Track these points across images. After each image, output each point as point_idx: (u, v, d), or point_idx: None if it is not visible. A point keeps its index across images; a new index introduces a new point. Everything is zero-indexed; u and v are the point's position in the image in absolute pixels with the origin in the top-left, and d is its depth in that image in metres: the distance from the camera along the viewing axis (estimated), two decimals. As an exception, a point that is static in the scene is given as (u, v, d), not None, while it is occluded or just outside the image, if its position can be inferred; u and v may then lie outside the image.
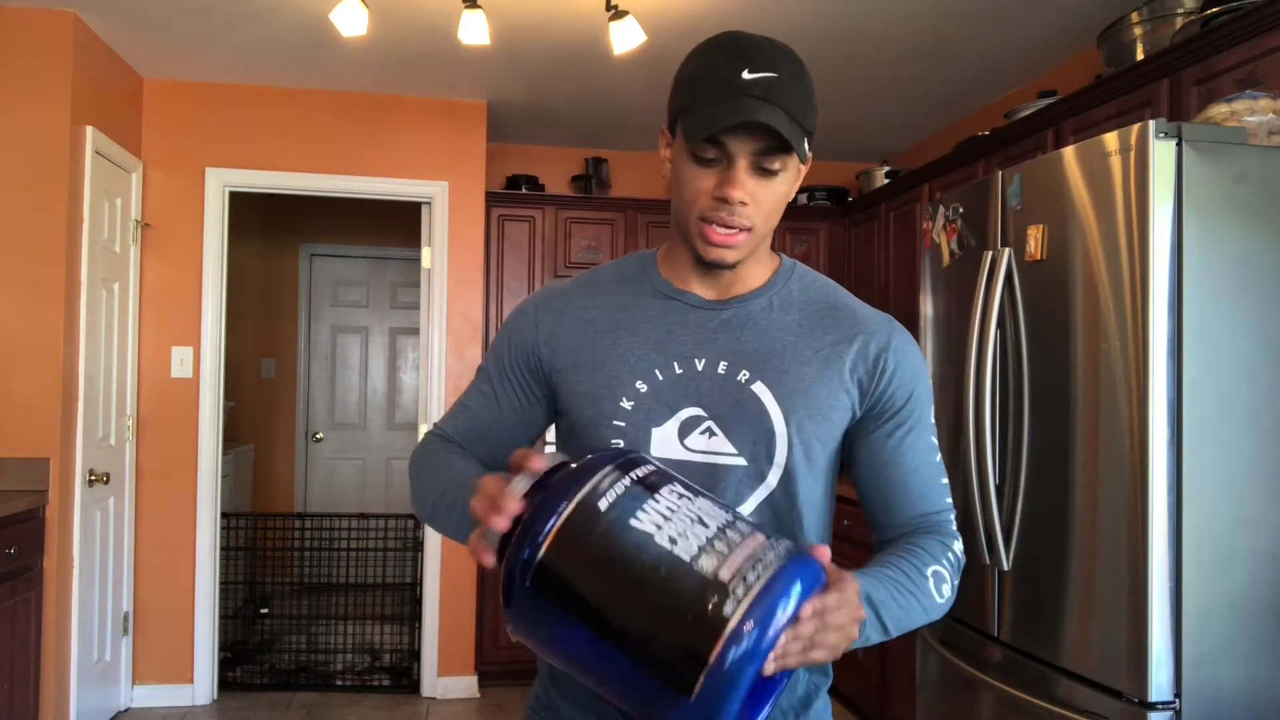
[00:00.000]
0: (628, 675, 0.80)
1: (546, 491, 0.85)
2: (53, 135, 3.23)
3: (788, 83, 1.00)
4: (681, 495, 0.85)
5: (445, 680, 4.11)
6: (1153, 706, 1.77)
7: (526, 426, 1.17)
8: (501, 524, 0.84)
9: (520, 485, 0.86)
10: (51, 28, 3.22)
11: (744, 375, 1.06)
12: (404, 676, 4.21)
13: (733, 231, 1.01)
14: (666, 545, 0.80)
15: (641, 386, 1.06)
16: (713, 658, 0.74)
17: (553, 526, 0.82)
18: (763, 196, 1.01)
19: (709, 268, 1.07)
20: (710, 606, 0.76)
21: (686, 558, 0.79)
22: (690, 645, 0.76)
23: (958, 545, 1.10)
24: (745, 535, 0.82)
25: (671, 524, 0.81)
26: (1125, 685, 1.81)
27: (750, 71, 0.98)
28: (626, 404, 1.06)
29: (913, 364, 1.11)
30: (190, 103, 3.97)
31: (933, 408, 1.14)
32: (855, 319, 1.11)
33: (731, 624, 0.75)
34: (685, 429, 1.05)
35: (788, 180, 1.03)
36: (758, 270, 1.11)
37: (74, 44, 3.26)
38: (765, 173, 1.00)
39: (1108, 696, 1.85)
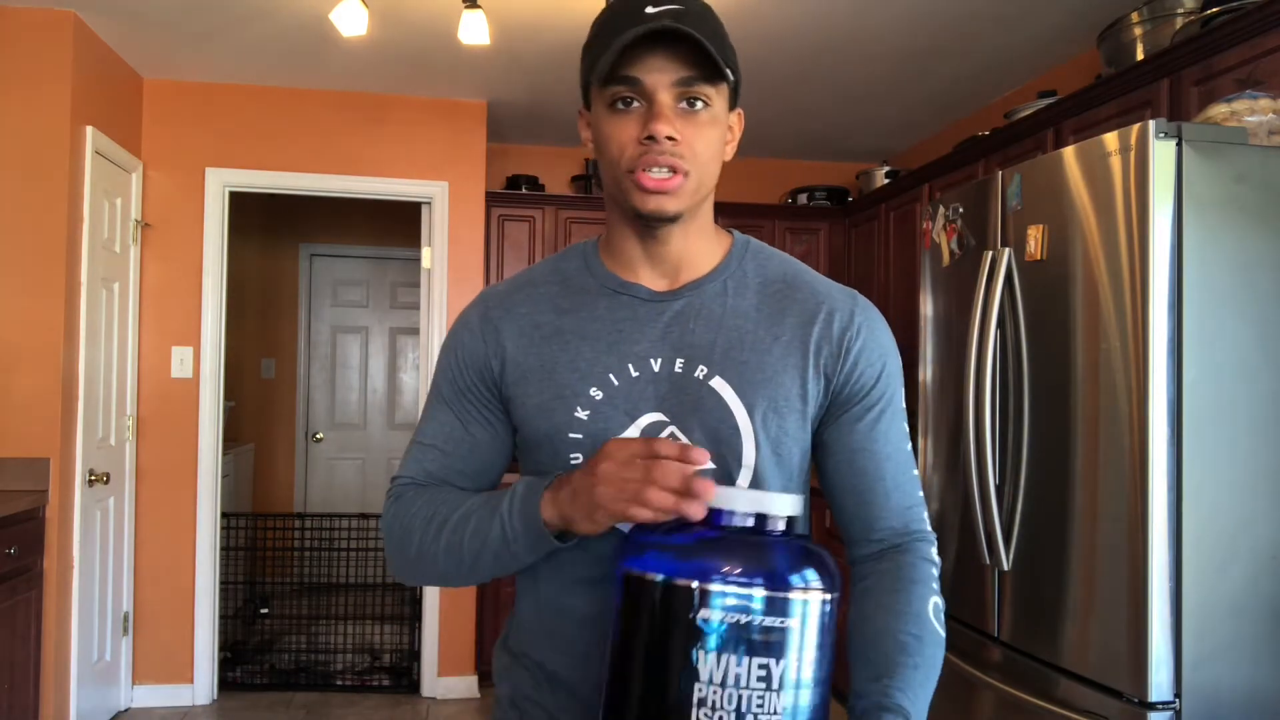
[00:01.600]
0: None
1: (708, 546, 0.77)
2: (53, 135, 3.23)
3: (697, 13, 0.93)
4: (762, 680, 0.74)
5: (445, 680, 4.11)
6: (1153, 706, 1.77)
7: (502, 449, 1.06)
8: (698, 511, 0.79)
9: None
10: (51, 28, 3.22)
11: (701, 371, 0.98)
12: (404, 676, 4.21)
13: (666, 174, 0.93)
14: (693, 701, 0.73)
15: (596, 394, 0.98)
16: None
17: (657, 578, 0.77)
18: (692, 136, 0.93)
19: (651, 225, 0.98)
20: None
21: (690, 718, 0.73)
22: None
23: (935, 550, 1.04)
24: None
25: (717, 691, 0.73)
26: (1125, 685, 1.81)
27: (653, 6, 0.92)
28: (581, 413, 0.98)
29: (881, 339, 1.03)
30: (190, 103, 3.97)
31: (903, 389, 1.06)
32: (815, 295, 1.03)
33: None
34: (647, 436, 0.96)
35: (718, 122, 0.96)
36: (707, 249, 1.04)
37: (74, 44, 3.26)
38: (690, 105, 0.93)
39: (1108, 696, 1.85)
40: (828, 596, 0.77)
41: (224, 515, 4.10)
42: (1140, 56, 2.59)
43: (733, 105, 1.00)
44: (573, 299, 1.03)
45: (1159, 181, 1.79)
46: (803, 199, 4.73)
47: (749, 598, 0.74)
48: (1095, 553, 1.92)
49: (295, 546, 4.54)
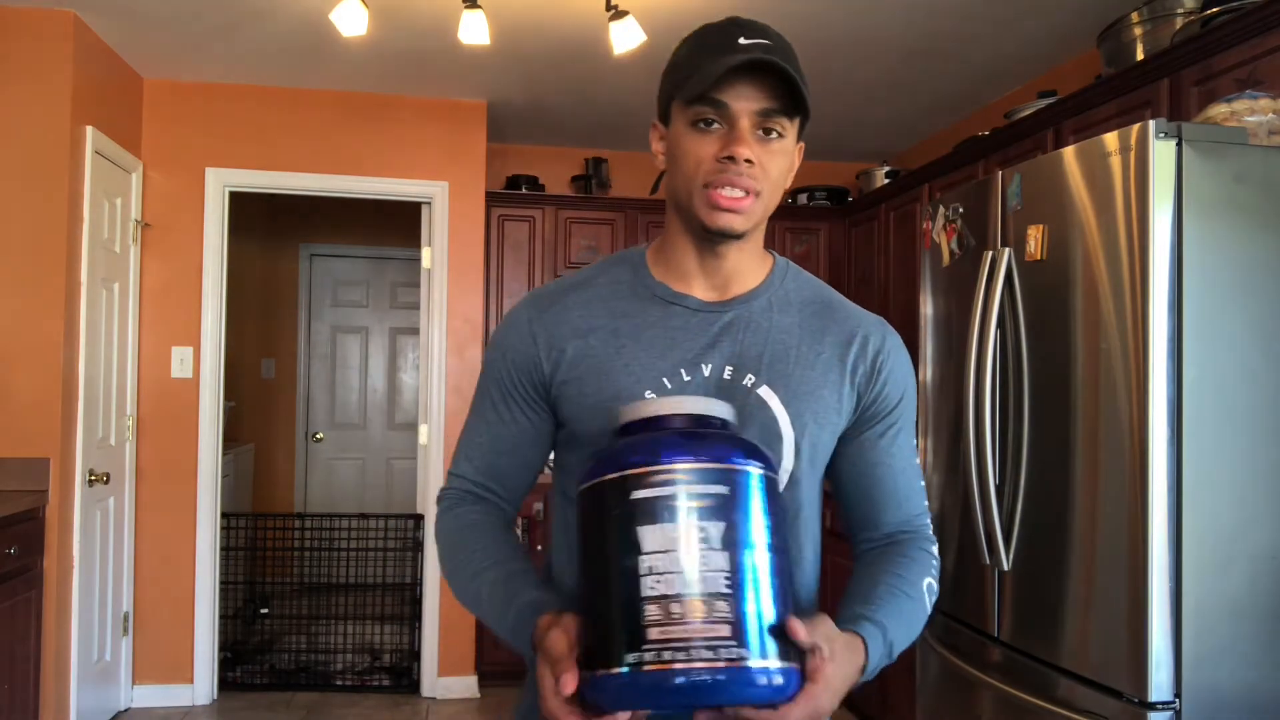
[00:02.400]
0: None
1: (636, 441, 0.85)
2: (53, 135, 3.23)
3: (783, 48, 1.00)
4: (703, 541, 0.79)
5: (445, 680, 4.11)
6: (1153, 706, 1.77)
7: (544, 444, 1.14)
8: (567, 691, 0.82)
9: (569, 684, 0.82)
10: (51, 28, 3.22)
11: (749, 379, 1.04)
12: (404, 676, 4.21)
13: (741, 195, 0.99)
14: (640, 570, 0.79)
15: (651, 396, 1.04)
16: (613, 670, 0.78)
17: (598, 480, 0.84)
18: (767, 161, 0.99)
19: (714, 239, 1.03)
20: (628, 630, 0.78)
21: (643, 590, 0.78)
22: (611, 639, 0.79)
23: (936, 549, 1.13)
24: (721, 615, 0.78)
25: (661, 557, 0.79)
26: (1125, 685, 1.81)
27: (746, 38, 0.98)
28: None
29: (905, 366, 1.12)
30: (190, 103, 3.97)
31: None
32: (851, 319, 1.11)
33: (642, 665, 0.77)
34: None
35: (788, 151, 1.02)
36: (754, 268, 1.10)
37: (74, 44, 3.26)
38: (767, 135, 0.99)
39: (1108, 696, 1.85)
40: (756, 470, 0.84)
41: (224, 515, 4.10)
42: (1140, 56, 2.59)
43: (799, 137, 1.06)
44: (626, 304, 1.09)
45: (1159, 181, 1.79)
46: (803, 199, 4.73)
47: (674, 471, 0.81)
48: (1095, 553, 1.92)
49: (295, 546, 4.54)
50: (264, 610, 4.58)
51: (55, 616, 3.17)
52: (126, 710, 3.83)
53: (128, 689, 3.84)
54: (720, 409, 0.90)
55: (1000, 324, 2.18)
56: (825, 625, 0.88)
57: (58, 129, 3.23)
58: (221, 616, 4.07)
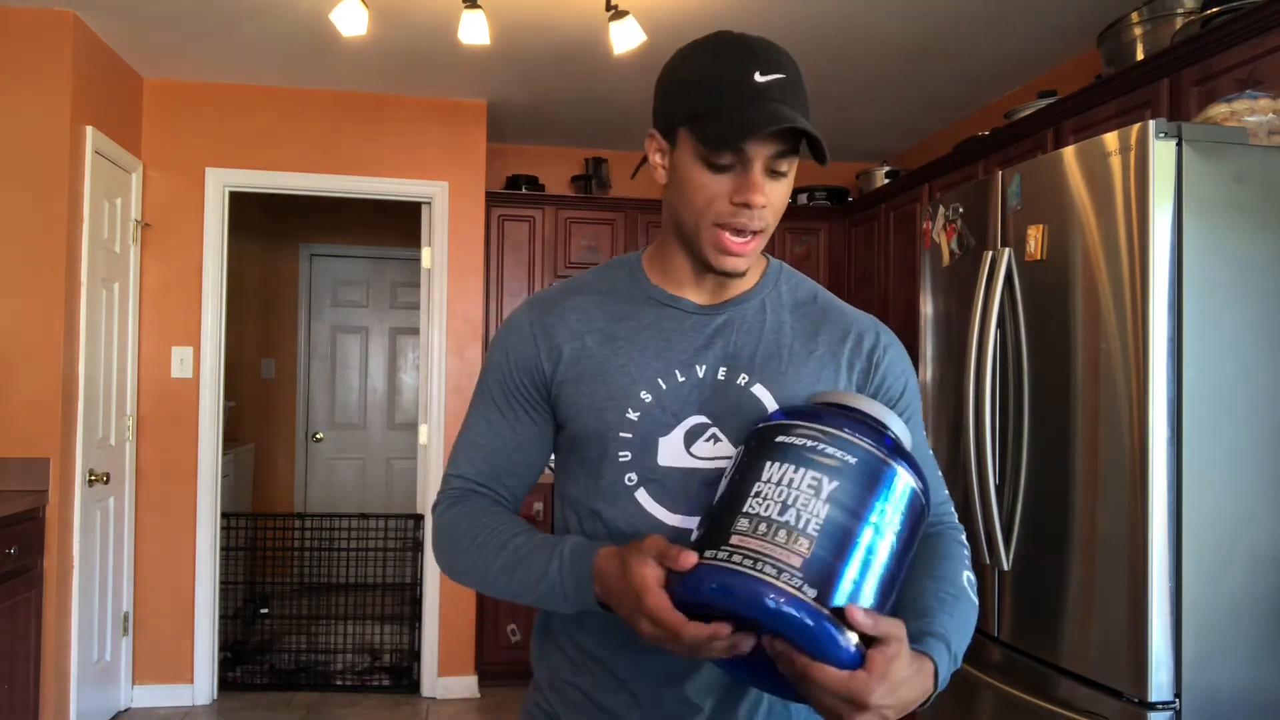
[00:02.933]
0: None
1: (810, 407, 0.98)
2: (53, 135, 3.23)
3: (796, 83, 1.00)
4: (813, 489, 0.88)
5: (445, 680, 4.11)
6: (1153, 706, 1.77)
7: (545, 445, 1.15)
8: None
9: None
10: (51, 28, 3.22)
11: (743, 379, 1.06)
12: (404, 676, 4.21)
13: (747, 238, 1.02)
14: (751, 491, 0.90)
15: (646, 397, 1.05)
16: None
17: (764, 424, 0.98)
18: (775, 198, 1.02)
19: (716, 275, 1.06)
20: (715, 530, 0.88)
21: (745, 507, 0.89)
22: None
23: (965, 536, 1.13)
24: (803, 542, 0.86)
25: (772, 487, 0.89)
26: (1125, 685, 1.81)
27: (761, 74, 0.98)
28: (632, 415, 1.05)
29: (903, 360, 1.14)
30: (190, 103, 3.97)
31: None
32: (844, 317, 1.13)
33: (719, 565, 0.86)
34: (691, 437, 1.05)
35: (792, 181, 1.04)
36: (749, 272, 1.11)
37: (74, 44, 3.26)
38: (776, 175, 1.01)
39: (1108, 696, 1.85)
40: (905, 473, 0.92)
41: (224, 515, 4.10)
42: (1140, 56, 2.59)
43: None
44: (622, 307, 1.11)
45: (1159, 181, 1.79)
46: (803, 199, 4.73)
47: (820, 433, 0.92)
48: (1095, 553, 1.92)
49: (295, 546, 4.54)
50: (264, 610, 4.58)
51: (55, 616, 3.17)
52: (126, 710, 3.83)
53: (128, 689, 3.84)
54: (899, 429, 0.97)
55: (1000, 324, 2.18)
56: (898, 627, 0.87)
57: (58, 129, 3.23)
58: (221, 616, 4.07)
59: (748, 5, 3.05)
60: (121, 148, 3.66)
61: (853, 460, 0.90)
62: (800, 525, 0.86)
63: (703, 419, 1.05)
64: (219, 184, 3.99)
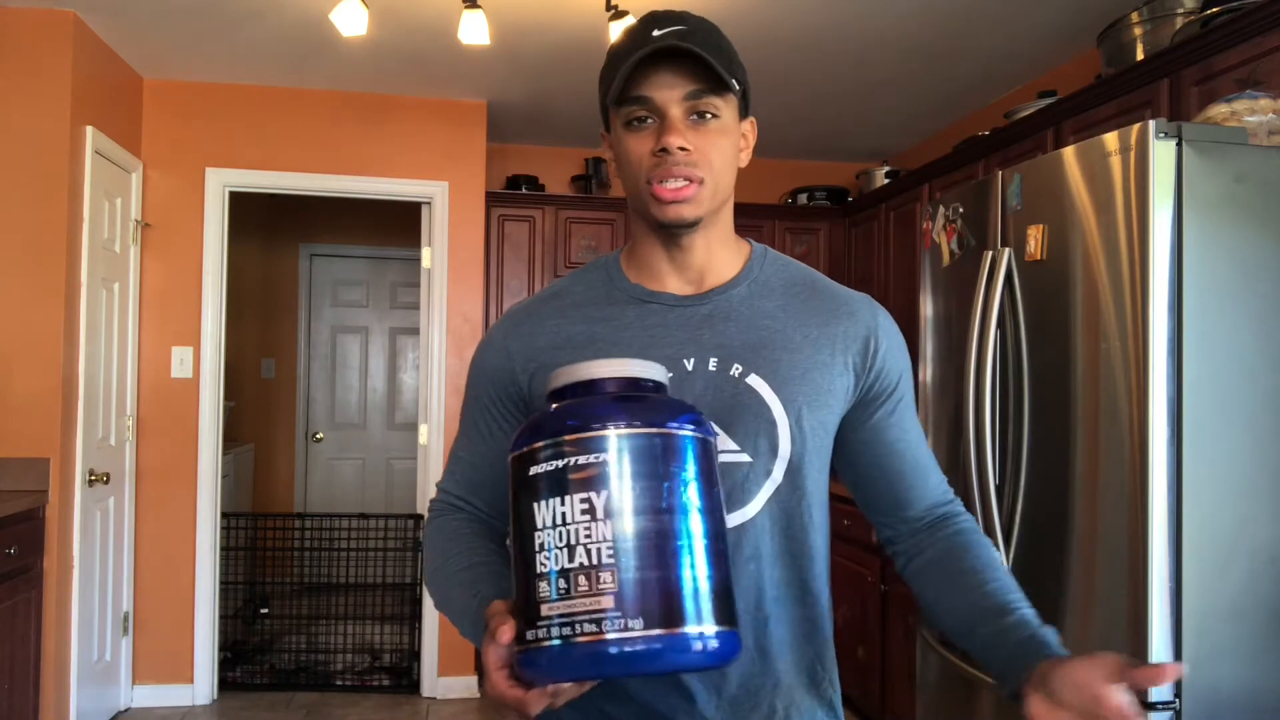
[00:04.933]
0: None
1: (539, 417, 0.83)
2: (53, 135, 3.23)
3: (700, 30, 1.00)
4: (585, 514, 0.78)
5: (445, 680, 4.11)
6: (1153, 706, 1.77)
7: None
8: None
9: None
10: (51, 28, 3.22)
11: (737, 369, 1.03)
12: (404, 676, 4.21)
13: (682, 184, 0.99)
14: (534, 547, 0.79)
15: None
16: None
17: (514, 452, 0.83)
18: (704, 145, 0.99)
19: (672, 233, 1.03)
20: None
21: (536, 567, 0.79)
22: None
23: (964, 508, 1.16)
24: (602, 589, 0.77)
25: (550, 533, 0.79)
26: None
27: (659, 29, 0.98)
28: None
29: (899, 341, 1.11)
30: (190, 103, 3.97)
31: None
32: (837, 299, 1.10)
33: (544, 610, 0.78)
34: None
35: (728, 129, 1.01)
36: (729, 257, 1.09)
37: (74, 44, 3.26)
38: (700, 118, 0.99)
39: (1108, 696, 1.85)
40: (638, 430, 0.80)
41: (224, 515, 4.10)
42: (1140, 56, 2.59)
43: (744, 114, 1.05)
44: (602, 309, 1.08)
45: (1159, 181, 1.79)
46: (803, 199, 4.73)
47: (562, 443, 0.79)
48: (1095, 553, 1.92)
49: (295, 546, 4.54)
50: (264, 610, 4.58)
51: (55, 616, 3.17)
52: (126, 710, 3.83)
53: (128, 689, 3.84)
54: (651, 372, 0.87)
55: (1000, 324, 2.18)
56: (1072, 672, 0.86)
57: (58, 129, 3.23)
58: (221, 616, 4.07)
59: (748, 5, 3.06)
60: (121, 148, 3.66)
61: (605, 455, 0.79)
62: (595, 560, 0.77)
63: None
64: (219, 184, 3.99)
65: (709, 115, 0.99)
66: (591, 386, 0.85)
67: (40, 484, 3.14)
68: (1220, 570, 1.80)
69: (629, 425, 0.80)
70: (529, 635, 0.79)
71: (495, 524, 1.14)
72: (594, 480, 0.78)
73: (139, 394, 3.89)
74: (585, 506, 0.78)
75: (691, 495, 0.80)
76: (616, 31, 2.92)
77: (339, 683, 4.15)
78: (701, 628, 0.77)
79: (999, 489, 2.17)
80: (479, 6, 2.84)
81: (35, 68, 3.22)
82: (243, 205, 4.49)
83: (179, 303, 3.93)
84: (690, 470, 0.81)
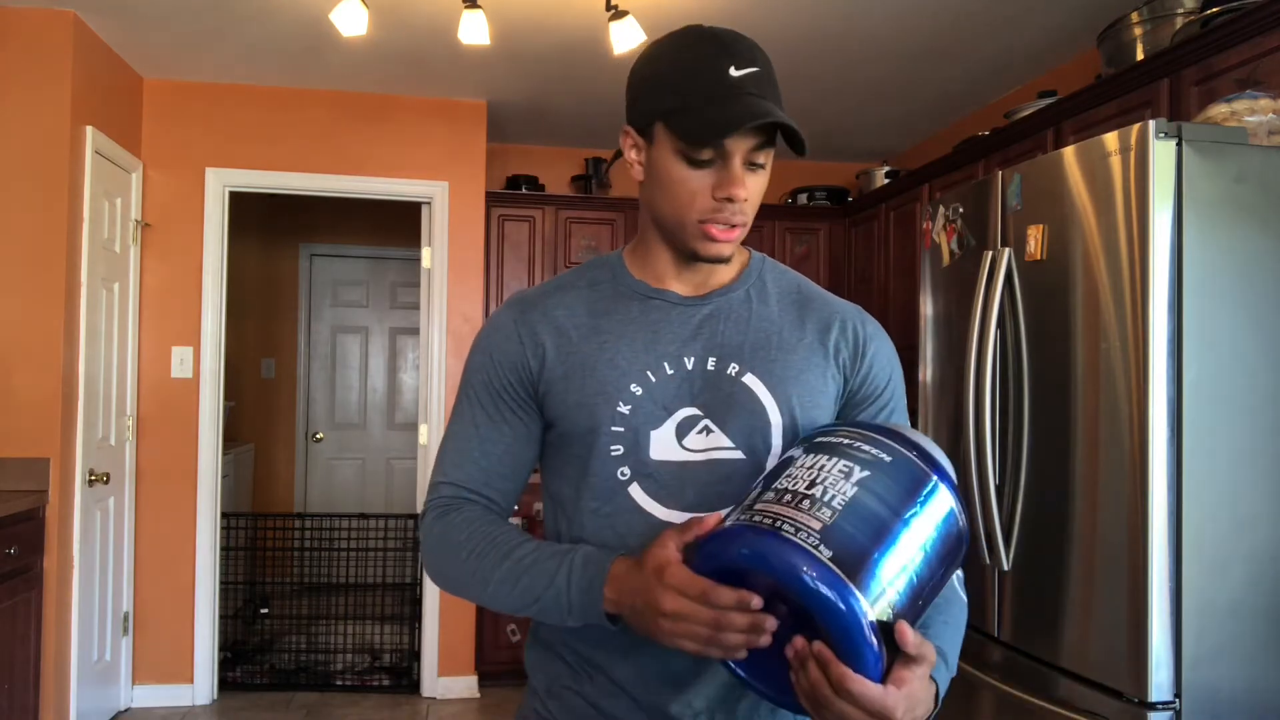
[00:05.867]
0: None
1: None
2: (53, 135, 3.23)
3: (769, 75, 1.01)
4: (843, 474, 0.91)
5: (445, 680, 4.11)
6: (1153, 706, 1.77)
7: (535, 445, 1.13)
8: (764, 640, 0.87)
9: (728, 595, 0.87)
10: (51, 28, 3.22)
11: (733, 369, 1.06)
12: (404, 676, 4.21)
13: (733, 228, 1.03)
14: (787, 469, 0.94)
15: (636, 390, 1.05)
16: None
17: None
18: (754, 191, 1.03)
19: (702, 262, 1.07)
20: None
21: (776, 482, 0.92)
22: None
23: None
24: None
25: (803, 470, 0.92)
26: (1125, 685, 1.81)
27: (736, 69, 0.98)
28: (623, 408, 1.05)
29: (889, 349, 1.15)
30: (190, 103, 3.97)
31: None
32: (829, 306, 1.14)
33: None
34: (683, 429, 1.05)
35: (769, 173, 1.05)
36: (730, 264, 1.12)
37: (74, 44, 3.26)
38: (754, 167, 1.02)
39: (1108, 696, 1.85)
40: (945, 490, 0.94)
41: (224, 515, 4.10)
42: (1140, 56, 2.59)
43: None
44: (606, 303, 1.11)
45: (1159, 181, 1.79)
46: (803, 199, 4.73)
47: (860, 435, 0.95)
48: (1095, 553, 1.92)
49: (295, 546, 4.54)
50: (264, 610, 4.58)
51: (55, 616, 3.17)
52: (126, 710, 3.83)
53: (128, 689, 3.84)
54: (946, 464, 0.99)
55: (1000, 324, 2.18)
56: (932, 650, 0.88)
57: (58, 129, 3.23)
58: (221, 616, 4.07)
59: (747, 5, 3.05)
60: (121, 148, 3.66)
61: (888, 459, 0.92)
62: (824, 498, 0.87)
63: (694, 410, 1.05)
64: (219, 184, 3.99)
65: (760, 165, 1.02)
66: (904, 438, 0.99)
67: (40, 484, 3.14)
68: (1220, 570, 1.80)
69: (920, 461, 0.95)
70: (726, 521, 0.90)
71: (505, 519, 1.12)
72: (864, 461, 0.92)
73: (139, 394, 3.89)
74: (844, 470, 0.90)
75: (926, 534, 0.90)
76: (617, 32, 2.92)
77: (339, 683, 4.15)
78: (866, 605, 0.82)
79: (999, 489, 2.17)
80: (479, 6, 2.84)
81: (35, 68, 3.22)
82: (243, 205, 4.49)
83: (179, 303, 3.93)
84: (938, 524, 0.92)
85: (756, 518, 0.86)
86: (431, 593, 4.13)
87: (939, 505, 0.92)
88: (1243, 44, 2.22)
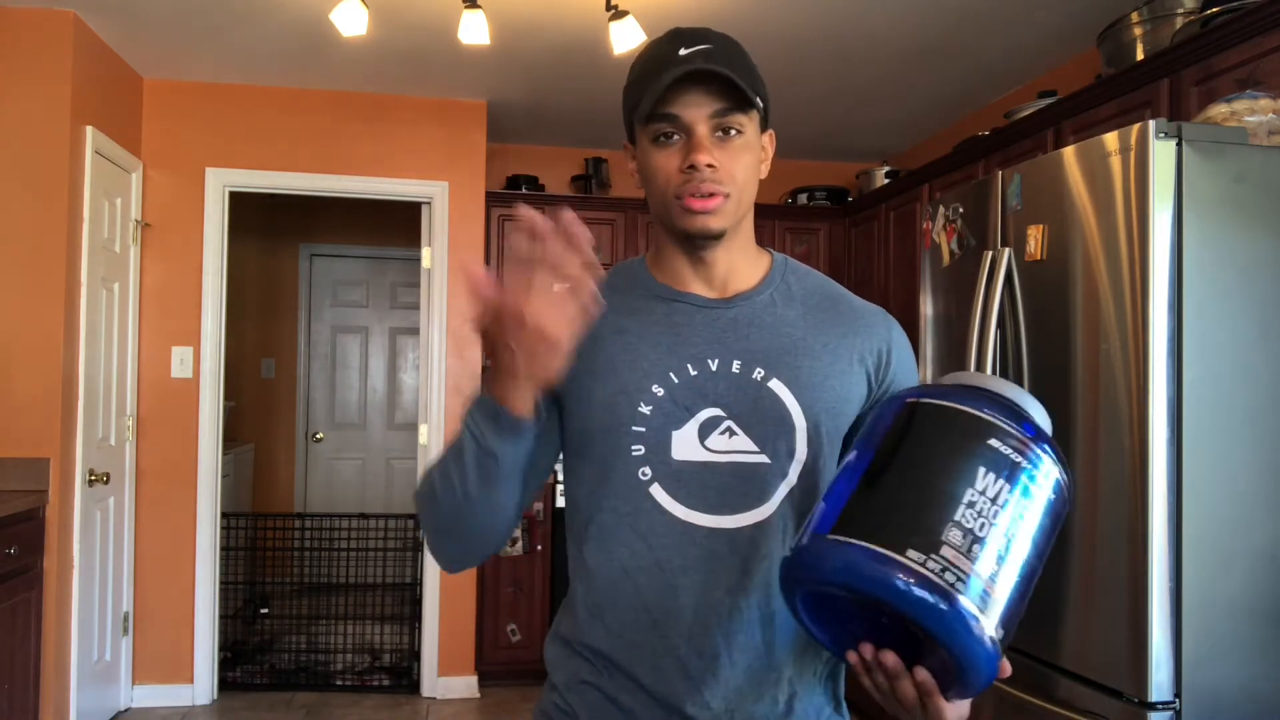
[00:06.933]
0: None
1: (1004, 401, 0.90)
2: (53, 135, 3.23)
3: (724, 50, 1.03)
4: (1019, 519, 0.85)
5: (445, 680, 4.11)
6: (1153, 706, 1.77)
7: (554, 442, 1.11)
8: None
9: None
10: (51, 28, 3.22)
11: (759, 373, 1.06)
12: (404, 676, 4.21)
13: (708, 197, 1.03)
14: (962, 501, 0.83)
15: (658, 390, 1.05)
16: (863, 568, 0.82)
17: (956, 405, 0.89)
18: (729, 161, 1.03)
19: (697, 244, 1.07)
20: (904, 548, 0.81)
21: (955, 515, 0.83)
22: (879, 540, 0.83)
23: None
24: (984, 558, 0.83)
25: (985, 503, 0.84)
26: (1125, 685, 1.81)
27: (686, 48, 1.02)
28: (645, 409, 1.05)
29: (910, 355, 1.15)
30: (190, 103, 3.97)
31: None
32: (855, 311, 1.14)
33: (903, 566, 0.81)
34: (705, 430, 1.05)
35: (751, 145, 1.05)
36: (750, 266, 1.12)
37: (74, 44, 3.26)
38: (725, 134, 1.02)
39: (1108, 696, 1.85)
40: (1063, 480, 0.89)
41: (224, 515, 4.10)
42: (1140, 56, 2.59)
43: (764, 128, 1.09)
44: (629, 304, 1.11)
45: (1159, 181, 1.79)
46: (803, 199, 4.73)
47: (1030, 450, 0.87)
48: (1095, 553, 1.92)
49: (295, 546, 4.54)
50: (264, 610, 4.58)
51: (55, 616, 3.17)
52: (126, 710, 3.83)
53: (128, 689, 3.84)
54: (1046, 425, 0.93)
55: (1000, 324, 2.18)
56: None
57: (58, 129, 3.23)
58: (221, 616, 4.07)
59: (747, 5, 3.05)
60: (121, 148, 3.66)
61: (1053, 497, 0.87)
62: (1010, 558, 0.83)
63: (717, 411, 1.05)
64: (219, 184, 3.99)
65: (733, 132, 1.02)
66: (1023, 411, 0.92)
67: (40, 484, 3.14)
68: (1220, 570, 1.80)
69: (1059, 471, 0.89)
70: (910, 554, 0.81)
71: (520, 511, 1.11)
72: (1034, 497, 0.85)
73: (139, 394, 3.89)
74: (1020, 512, 0.84)
75: (1048, 540, 0.88)
76: (616, 32, 2.92)
77: (339, 683, 4.15)
78: (990, 631, 0.82)
79: (999, 489, 2.17)
80: (479, 6, 2.84)
81: (35, 68, 3.22)
82: (242, 205, 4.49)
83: (179, 303, 3.93)
84: (1043, 513, 0.87)
85: (948, 575, 0.81)
86: (431, 593, 4.13)
87: (1045, 481, 0.87)
88: (1243, 44, 2.22)
